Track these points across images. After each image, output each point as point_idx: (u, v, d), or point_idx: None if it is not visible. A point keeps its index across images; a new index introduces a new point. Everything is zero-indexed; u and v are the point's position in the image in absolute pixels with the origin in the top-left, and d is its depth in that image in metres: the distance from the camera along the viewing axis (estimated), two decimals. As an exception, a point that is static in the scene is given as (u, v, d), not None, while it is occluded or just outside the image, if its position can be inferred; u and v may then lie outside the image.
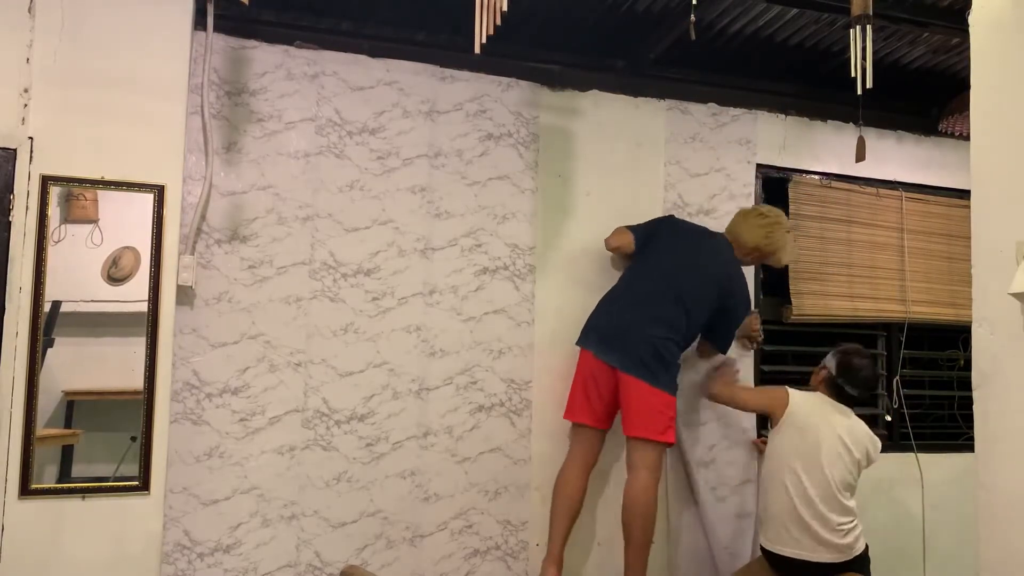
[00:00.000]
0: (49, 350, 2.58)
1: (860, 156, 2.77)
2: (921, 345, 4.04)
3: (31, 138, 2.59)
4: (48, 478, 2.57)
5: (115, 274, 2.68)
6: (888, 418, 3.88)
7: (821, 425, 3.11)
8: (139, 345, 2.65)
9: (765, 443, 3.33)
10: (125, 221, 2.69)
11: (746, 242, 3.32)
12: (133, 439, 2.64)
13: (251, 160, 3.03)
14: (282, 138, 3.07)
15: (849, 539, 3.04)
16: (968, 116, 2.15)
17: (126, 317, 2.67)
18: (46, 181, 2.58)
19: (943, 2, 3.12)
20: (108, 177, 2.66)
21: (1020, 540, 1.89)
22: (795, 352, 3.82)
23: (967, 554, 2.36)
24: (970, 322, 2.05)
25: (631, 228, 3.34)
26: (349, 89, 3.16)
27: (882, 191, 3.91)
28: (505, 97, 3.37)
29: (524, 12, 3.02)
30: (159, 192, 2.70)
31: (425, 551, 3.14)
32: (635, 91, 3.55)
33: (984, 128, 2.06)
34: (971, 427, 2.06)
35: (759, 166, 3.73)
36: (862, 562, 3.09)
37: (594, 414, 3.14)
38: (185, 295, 2.87)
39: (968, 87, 2.09)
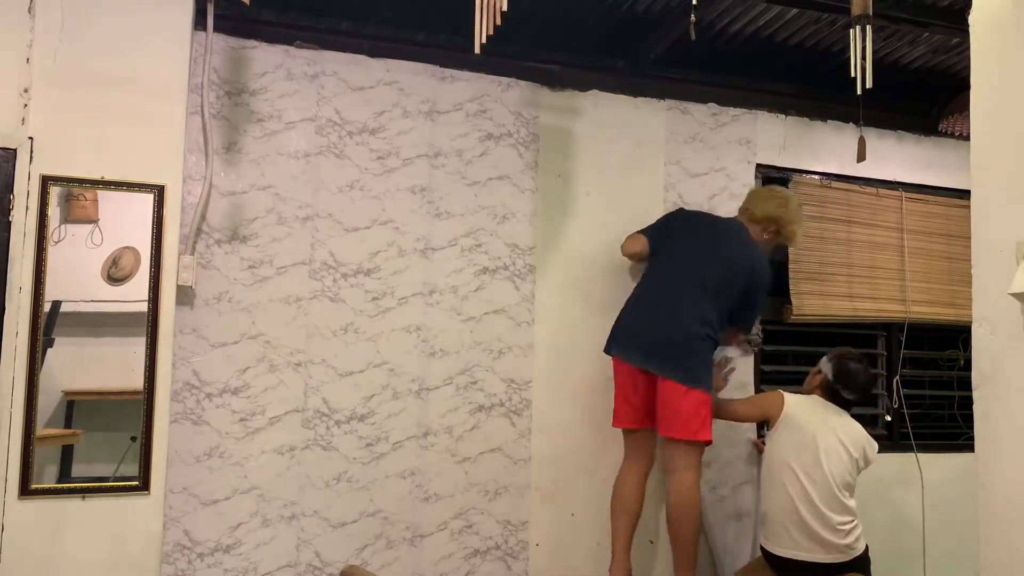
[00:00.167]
0: (49, 350, 2.58)
1: (861, 156, 2.78)
2: (921, 345, 4.04)
3: (31, 138, 2.59)
4: (48, 478, 2.57)
5: (115, 274, 2.68)
6: (888, 418, 3.88)
7: (818, 425, 3.11)
8: (139, 345, 2.65)
9: (764, 444, 3.34)
10: (125, 221, 2.69)
11: (763, 215, 3.31)
12: (133, 439, 2.64)
13: (251, 160, 3.03)
14: (282, 138, 3.07)
15: (849, 539, 3.04)
16: (968, 116, 2.15)
17: (126, 317, 2.67)
18: (46, 181, 2.58)
19: (943, 2, 3.12)
20: (108, 177, 2.66)
21: (1020, 540, 1.89)
22: (795, 352, 3.82)
23: (967, 554, 2.36)
24: (970, 322, 2.05)
25: (643, 232, 3.32)
26: (349, 89, 3.16)
27: (882, 191, 3.91)
28: (505, 97, 3.37)
29: (524, 12, 3.02)
30: (159, 192, 2.70)
31: (425, 551, 3.14)
32: (635, 91, 3.55)
33: (984, 128, 2.06)
34: (971, 427, 2.06)
35: (759, 166, 3.73)
36: (862, 562, 3.09)
37: (638, 417, 3.12)
38: (185, 295, 2.87)
39: (968, 87, 2.09)
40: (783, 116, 3.78)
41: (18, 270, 2.54)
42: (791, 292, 3.68)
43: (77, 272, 2.63)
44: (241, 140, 3.02)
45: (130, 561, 2.60)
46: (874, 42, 2.49)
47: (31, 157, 2.58)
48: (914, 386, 4.01)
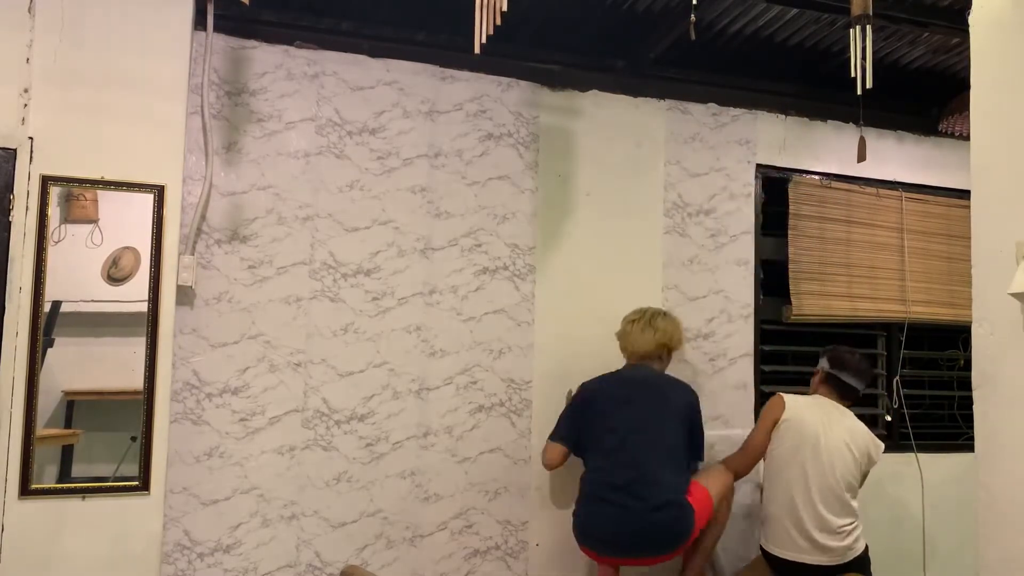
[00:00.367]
0: (49, 350, 2.58)
1: (861, 156, 2.78)
2: (921, 345, 4.04)
3: (31, 138, 2.59)
4: (48, 478, 2.57)
5: (115, 274, 2.67)
6: (888, 418, 3.88)
7: (821, 424, 3.11)
8: (139, 345, 2.65)
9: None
10: (125, 221, 2.69)
11: (652, 350, 3.13)
12: (133, 439, 2.64)
13: (251, 160, 3.03)
14: (282, 138, 3.07)
15: (848, 541, 3.04)
16: (968, 116, 2.15)
17: (126, 317, 2.67)
18: (46, 181, 2.58)
19: (943, 2, 3.12)
20: (108, 177, 2.66)
21: (1020, 540, 1.89)
22: (795, 352, 3.82)
23: (967, 554, 2.36)
24: (970, 322, 2.05)
25: (553, 437, 3.10)
26: (349, 89, 3.17)
27: (882, 191, 3.91)
28: (505, 97, 3.37)
29: (524, 12, 3.02)
30: (159, 192, 2.70)
31: (425, 551, 3.14)
32: (635, 91, 3.55)
33: (984, 128, 2.06)
34: (971, 427, 2.06)
35: (759, 166, 3.73)
36: (862, 562, 3.09)
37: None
38: (185, 295, 2.87)
39: (968, 87, 2.09)
40: (783, 116, 3.78)
41: (18, 270, 2.54)
42: (791, 292, 3.68)
43: (77, 272, 2.63)
44: (241, 140, 3.02)
45: (130, 561, 2.60)
46: (874, 42, 2.49)
47: (31, 157, 2.58)
48: (914, 386, 4.01)
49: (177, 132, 2.75)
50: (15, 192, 2.56)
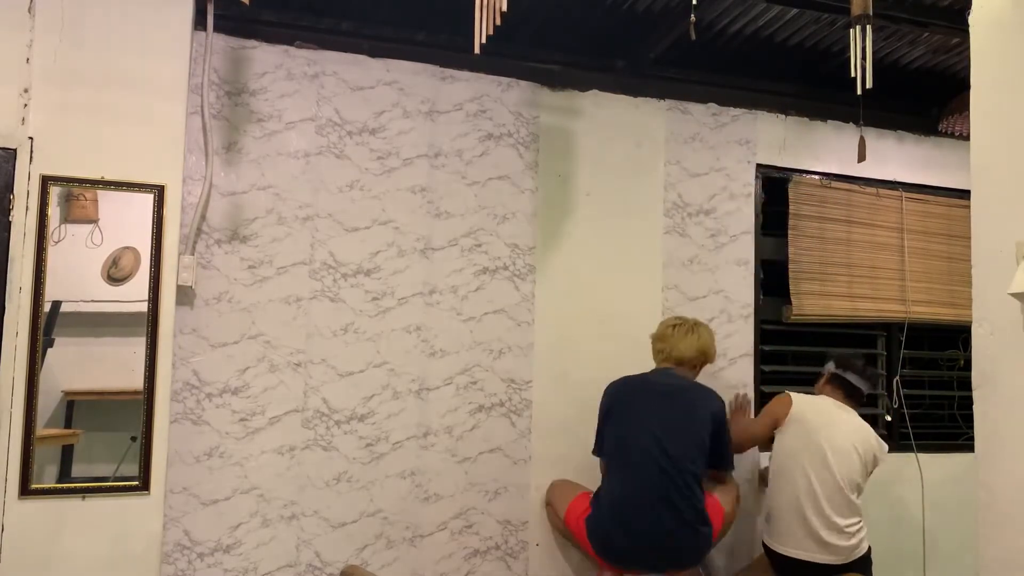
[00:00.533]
0: (49, 350, 2.58)
1: (861, 156, 2.78)
2: (921, 345, 4.04)
3: (31, 138, 2.59)
4: (48, 478, 2.57)
5: (115, 274, 2.67)
6: (888, 418, 3.88)
7: (827, 424, 3.11)
8: (139, 345, 2.65)
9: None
10: (125, 221, 2.69)
11: (692, 357, 3.12)
12: (133, 439, 2.64)
13: (251, 160, 3.03)
14: (282, 138, 3.07)
15: (853, 541, 3.04)
16: (968, 116, 2.15)
17: (126, 317, 2.67)
18: (46, 181, 2.58)
19: (943, 2, 3.12)
20: (108, 177, 2.66)
21: (1020, 540, 1.89)
22: (795, 352, 3.82)
23: (967, 554, 2.36)
24: (970, 322, 2.05)
25: (596, 452, 3.10)
26: (349, 89, 3.17)
27: (882, 191, 3.91)
28: (505, 97, 3.37)
29: (524, 12, 3.02)
30: (159, 192, 2.70)
31: (425, 551, 3.14)
32: (635, 91, 3.55)
33: (984, 128, 2.06)
34: (971, 427, 2.06)
35: (759, 166, 3.73)
36: (864, 563, 3.09)
37: None
38: (185, 295, 2.87)
39: (968, 87, 2.09)
40: (783, 116, 3.78)
41: (18, 270, 2.54)
42: (791, 292, 3.68)
43: (77, 272, 2.63)
44: (241, 140, 3.02)
45: (130, 561, 2.60)
46: (874, 42, 2.49)
47: (31, 157, 2.58)
48: (914, 386, 4.01)
49: (177, 132, 2.75)
50: (15, 192, 2.56)
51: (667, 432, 2.94)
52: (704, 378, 3.44)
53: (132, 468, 2.63)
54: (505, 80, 3.37)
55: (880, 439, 3.20)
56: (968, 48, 2.10)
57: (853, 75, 2.28)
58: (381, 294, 3.15)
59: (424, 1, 3.07)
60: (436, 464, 3.18)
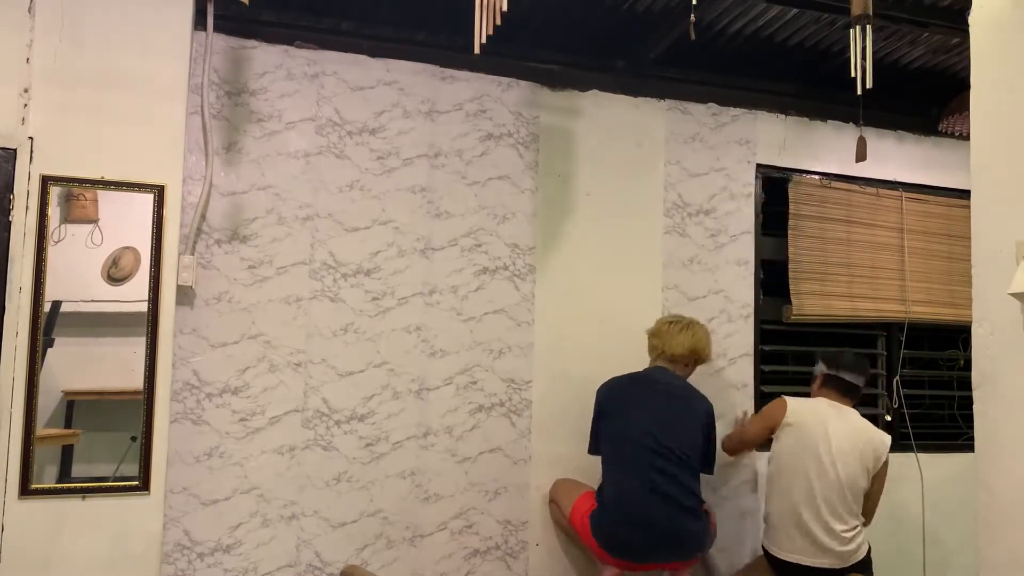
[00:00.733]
0: (49, 350, 2.58)
1: (861, 156, 2.77)
2: (921, 345, 4.04)
3: (31, 138, 2.59)
4: (48, 478, 2.57)
5: (115, 274, 2.67)
6: (888, 418, 3.87)
7: (825, 427, 3.08)
8: (139, 345, 2.65)
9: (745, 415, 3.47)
10: (125, 221, 2.69)
11: (684, 354, 3.13)
12: (133, 439, 2.64)
13: (251, 160, 3.03)
14: (282, 138, 3.07)
15: (851, 546, 3.03)
16: (968, 116, 2.15)
17: (126, 317, 2.67)
18: (46, 181, 2.58)
19: (943, 2, 3.12)
20: (108, 177, 2.66)
21: (1020, 540, 1.89)
22: (795, 352, 3.82)
23: (967, 554, 2.36)
24: (970, 322, 2.05)
25: (591, 451, 3.12)
26: (349, 89, 3.17)
27: (882, 191, 3.91)
28: (505, 97, 3.37)
29: (524, 12, 3.02)
30: (159, 192, 2.70)
31: (425, 551, 3.14)
32: (635, 91, 3.55)
33: (984, 128, 2.06)
34: (971, 427, 2.06)
35: (759, 166, 3.73)
36: (864, 565, 3.09)
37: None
38: (185, 295, 2.87)
39: (968, 87, 2.09)
40: (783, 116, 3.78)
41: (18, 270, 2.54)
42: (791, 292, 3.68)
43: (77, 272, 2.63)
44: (241, 140, 3.02)
45: (130, 561, 2.60)
46: (874, 42, 2.49)
47: (31, 157, 2.58)
48: (914, 386, 4.01)
49: (177, 132, 2.75)
50: (15, 192, 2.56)
51: (661, 425, 2.95)
52: (705, 378, 3.45)
53: (132, 468, 2.63)
54: (505, 80, 3.37)
55: (882, 434, 3.18)
56: (968, 48, 2.10)
57: (853, 75, 2.28)
58: (381, 294, 3.15)
59: (424, 1, 3.07)
60: (436, 464, 3.18)
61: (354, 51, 3.18)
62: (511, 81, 3.38)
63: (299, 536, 2.99)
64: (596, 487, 3.10)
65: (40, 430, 2.54)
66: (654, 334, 3.21)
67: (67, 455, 2.63)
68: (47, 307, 2.58)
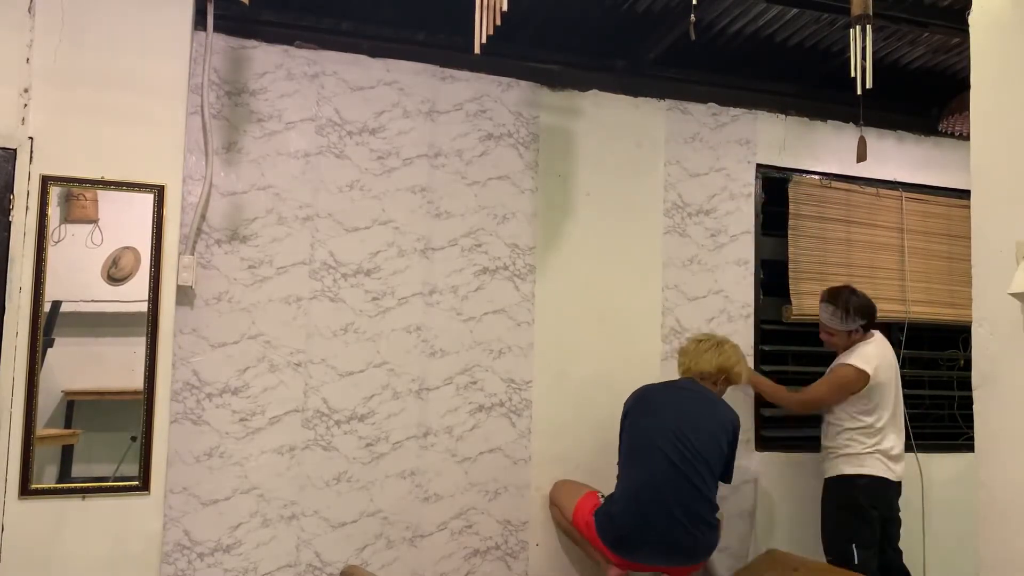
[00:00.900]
0: (49, 350, 2.58)
1: (861, 156, 2.78)
2: (921, 345, 4.03)
3: (31, 138, 2.59)
4: (48, 478, 2.57)
5: (115, 274, 2.68)
6: (888, 418, 3.87)
7: (894, 368, 3.37)
8: (139, 345, 2.65)
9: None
10: (125, 221, 2.69)
11: (712, 369, 3.17)
12: (133, 439, 2.64)
13: (251, 160, 3.03)
14: (282, 138, 3.07)
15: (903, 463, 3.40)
16: (968, 116, 2.15)
17: (126, 317, 2.67)
18: (46, 181, 2.58)
19: (943, 2, 3.12)
20: (108, 177, 2.66)
21: (1020, 540, 1.89)
22: (795, 352, 3.82)
23: (967, 554, 2.36)
24: (970, 322, 2.05)
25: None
26: (349, 89, 3.17)
27: (882, 191, 3.91)
28: (505, 97, 3.37)
29: (524, 12, 3.02)
30: (159, 192, 2.70)
31: (425, 551, 3.14)
32: (635, 91, 3.55)
33: (984, 128, 2.06)
34: (971, 427, 2.06)
35: (759, 166, 3.73)
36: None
37: None
38: (185, 295, 2.87)
39: (968, 87, 2.09)
40: (783, 116, 3.78)
41: (18, 270, 2.54)
42: (791, 292, 3.68)
43: (77, 272, 2.63)
44: (241, 140, 3.02)
45: (130, 561, 2.60)
46: (874, 42, 2.49)
47: (31, 157, 2.58)
48: (914, 386, 4.01)
49: (177, 132, 2.75)
50: (15, 192, 2.56)
51: (687, 428, 2.96)
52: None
53: (132, 468, 2.63)
54: (505, 80, 3.37)
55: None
56: (968, 48, 2.10)
57: (853, 75, 2.28)
58: (381, 294, 3.15)
59: (424, 1, 3.07)
60: (436, 464, 3.18)
61: (354, 51, 3.18)
62: (511, 81, 3.38)
63: (299, 536, 2.99)
64: (596, 487, 3.10)
65: (40, 430, 2.54)
66: (683, 352, 3.26)
67: (67, 455, 2.63)
68: (47, 307, 2.57)
